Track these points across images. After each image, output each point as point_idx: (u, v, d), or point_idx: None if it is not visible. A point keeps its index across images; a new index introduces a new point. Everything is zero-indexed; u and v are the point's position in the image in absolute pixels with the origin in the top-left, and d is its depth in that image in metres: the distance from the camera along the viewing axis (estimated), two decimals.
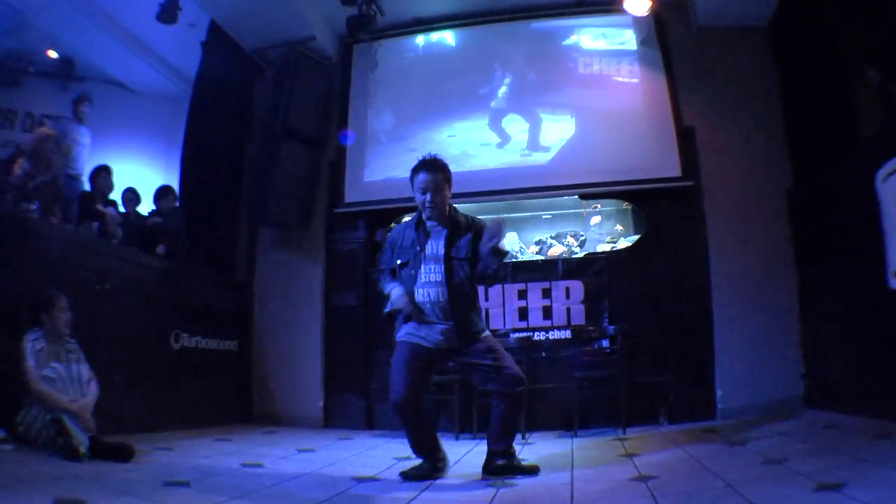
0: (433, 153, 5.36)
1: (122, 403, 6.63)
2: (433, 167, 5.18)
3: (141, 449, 5.53)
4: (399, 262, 5.24)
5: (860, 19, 7.26)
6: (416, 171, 5.19)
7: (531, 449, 6.63)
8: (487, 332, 5.19)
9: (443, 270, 5.05)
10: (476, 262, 5.06)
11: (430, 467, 5.06)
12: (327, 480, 4.96)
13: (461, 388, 7.91)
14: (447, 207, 5.23)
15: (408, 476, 4.99)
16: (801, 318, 7.99)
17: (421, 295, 5.07)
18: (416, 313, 5.07)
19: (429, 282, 5.06)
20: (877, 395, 5.90)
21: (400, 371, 5.04)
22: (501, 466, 4.98)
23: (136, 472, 4.86)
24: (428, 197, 5.10)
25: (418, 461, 5.13)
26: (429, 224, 5.23)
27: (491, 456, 5.06)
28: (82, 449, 5.06)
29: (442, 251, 5.10)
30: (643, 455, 5.61)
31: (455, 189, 9.03)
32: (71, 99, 9.82)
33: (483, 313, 5.37)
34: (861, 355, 6.39)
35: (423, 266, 5.11)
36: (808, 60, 7.84)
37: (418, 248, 5.16)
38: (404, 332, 5.16)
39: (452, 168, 9.15)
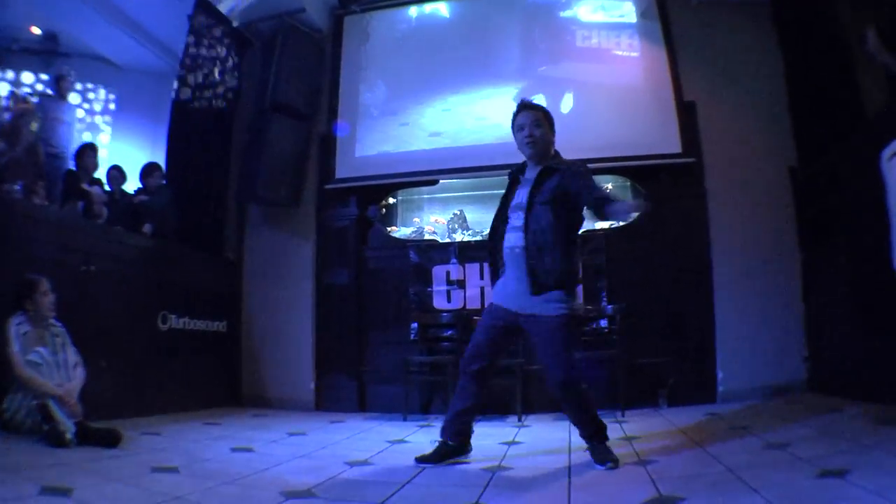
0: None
1: (109, 387, 6.49)
2: (531, 105, 5.04)
3: (128, 434, 5.45)
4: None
5: None
6: (515, 115, 5.05)
7: (527, 432, 6.63)
8: (565, 311, 4.71)
9: (523, 217, 4.80)
10: (566, 206, 4.77)
11: (456, 448, 4.99)
12: (319, 465, 4.89)
13: (455, 370, 7.70)
14: (550, 149, 5.02)
15: (427, 459, 4.89)
16: (805, 300, 7.90)
17: (505, 242, 4.90)
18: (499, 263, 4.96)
19: (512, 227, 4.87)
20: (881, 379, 5.83)
21: (473, 333, 5.02)
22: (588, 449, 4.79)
23: (123, 459, 4.81)
24: (525, 132, 4.92)
25: (438, 442, 5.03)
26: (527, 172, 5.03)
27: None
28: (68, 435, 4.99)
29: (525, 198, 4.85)
30: (642, 438, 5.58)
31: (450, 164, 9.16)
32: (54, 75, 9.64)
33: (573, 274, 4.87)
34: (866, 339, 6.28)
35: (511, 214, 4.94)
36: (813, 36, 7.68)
37: (510, 195, 5.05)
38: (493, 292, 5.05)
39: (446, 143, 9.21)
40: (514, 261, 4.79)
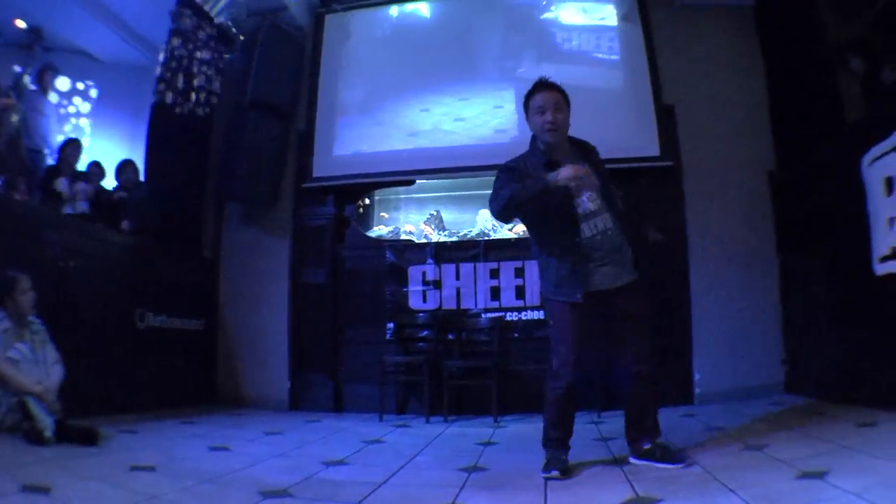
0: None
1: (87, 385, 6.43)
2: (550, 85, 4.56)
3: (106, 432, 5.45)
4: None
5: (848, 3, 7.19)
6: (530, 94, 4.59)
7: (504, 432, 6.63)
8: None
9: (598, 197, 4.50)
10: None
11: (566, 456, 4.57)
12: (296, 464, 4.89)
13: (430, 369, 7.78)
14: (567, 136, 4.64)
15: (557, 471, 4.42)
16: (782, 303, 7.94)
17: (586, 232, 4.48)
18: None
19: (590, 212, 4.50)
20: (860, 382, 5.84)
21: (567, 341, 4.50)
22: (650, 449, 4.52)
23: (102, 457, 4.79)
24: (548, 116, 4.44)
25: (550, 453, 4.57)
26: (559, 156, 4.52)
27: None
28: (47, 433, 4.99)
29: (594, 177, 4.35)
30: (619, 439, 5.39)
31: (427, 164, 9.13)
32: (36, 69, 9.58)
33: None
34: (844, 342, 6.30)
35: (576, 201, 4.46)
36: (794, 42, 7.72)
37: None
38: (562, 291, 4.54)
39: (424, 143, 9.17)
40: (605, 247, 4.48)
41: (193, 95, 9.36)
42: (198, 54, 9.41)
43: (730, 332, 7.98)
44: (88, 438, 5.13)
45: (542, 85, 4.57)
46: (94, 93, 11.95)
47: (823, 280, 6.81)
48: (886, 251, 5.33)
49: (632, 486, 3.84)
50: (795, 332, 7.66)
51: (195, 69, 9.38)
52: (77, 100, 11.81)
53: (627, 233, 4.57)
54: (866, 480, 3.28)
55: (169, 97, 8.98)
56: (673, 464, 4.24)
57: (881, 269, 5.43)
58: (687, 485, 3.77)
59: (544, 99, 4.48)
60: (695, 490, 3.64)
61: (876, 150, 5.45)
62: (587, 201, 4.50)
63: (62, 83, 10.95)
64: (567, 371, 4.43)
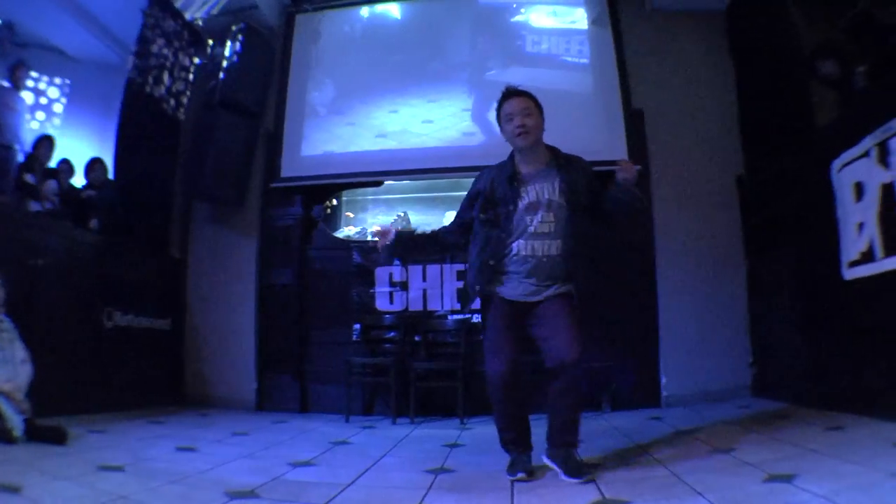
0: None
1: (55, 385, 6.32)
2: (519, 92, 4.55)
3: (74, 432, 5.42)
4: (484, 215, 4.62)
5: (819, 7, 7.27)
6: (500, 103, 4.58)
7: (470, 434, 6.63)
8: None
9: (550, 219, 4.44)
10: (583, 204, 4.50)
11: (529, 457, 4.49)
12: (263, 465, 4.86)
13: (397, 371, 7.78)
14: (541, 139, 4.59)
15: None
16: (750, 307, 8.00)
17: (520, 249, 4.47)
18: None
19: (534, 234, 4.45)
20: (828, 386, 5.91)
21: (492, 327, 4.56)
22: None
23: (70, 456, 4.75)
24: (516, 122, 4.43)
25: (513, 455, 4.52)
26: (523, 166, 4.56)
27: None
28: (16, 433, 4.99)
29: (547, 195, 4.44)
30: (586, 442, 5.38)
31: (396, 166, 9.12)
32: (8, 65, 9.51)
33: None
34: (812, 346, 6.38)
35: (524, 217, 4.47)
36: (765, 48, 7.80)
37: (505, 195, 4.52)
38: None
39: (392, 145, 9.17)
40: (539, 268, 4.48)
41: (163, 94, 9.31)
42: (168, 53, 9.37)
43: (697, 335, 8.01)
44: (57, 438, 5.11)
45: (511, 92, 4.58)
46: (59, 91, 11.88)
47: (791, 284, 6.88)
48: (856, 256, 5.39)
49: (599, 489, 3.85)
50: (763, 335, 7.73)
51: (166, 68, 9.33)
52: (49, 96, 11.77)
53: (573, 262, 4.53)
54: (835, 484, 3.29)
55: (139, 96, 8.93)
56: (570, 476, 4.12)
57: (850, 273, 5.49)
58: (654, 488, 3.78)
59: (512, 106, 4.49)
60: (662, 493, 3.64)
61: (846, 156, 5.51)
62: (538, 222, 4.48)
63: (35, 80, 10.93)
64: (493, 360, 4.43)
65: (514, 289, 4.52)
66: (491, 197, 4.58)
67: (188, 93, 9.76)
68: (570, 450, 4.35)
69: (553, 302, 4.48)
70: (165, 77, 9.36)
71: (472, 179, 4.80)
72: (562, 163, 4.57)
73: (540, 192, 4.48)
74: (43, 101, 11.73)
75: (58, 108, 11.87)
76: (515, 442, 4.49)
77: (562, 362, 4.24)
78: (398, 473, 4.69)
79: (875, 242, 5.12)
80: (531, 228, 4.48)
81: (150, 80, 9.11)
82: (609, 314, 8.08)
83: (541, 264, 4.46)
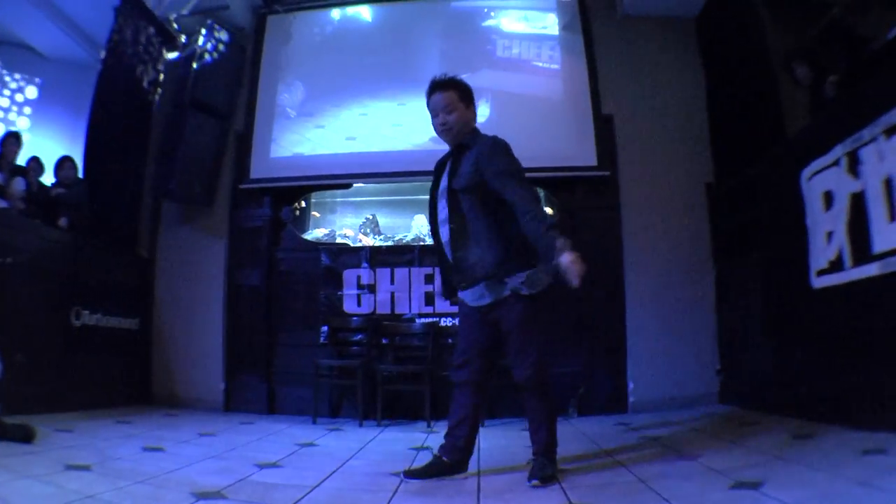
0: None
1: (23, 383, 6.33)
2: (441, 84, 4.47)
3: (41, 430, 5.38)
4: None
5: (791, 15, 7.31)
6: (427, 97, 4.52)
7: (437, 437, 6.51)
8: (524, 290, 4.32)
9: (446, 206, 4.40)
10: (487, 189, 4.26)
11: (451, 466, 4.55)
12: (229, 466, 4.85)
13: (364, 373, 7.77)
14: (468, 129, 4.52)
15: (415, 473, 4.50)
16: (718, 313, 8.06)
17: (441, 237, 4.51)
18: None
19: (441, 220, 4.49)
20: (796, 394, 5.94)
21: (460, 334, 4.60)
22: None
23: (37, 455, 4.74)
24: (439, 119, 4.45)
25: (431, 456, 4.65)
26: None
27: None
28: None
29: (445, 183, 4.45)
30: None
31: (364, 169, 9.14)
32: None
33: (501, 251, 4.30)
34: (780, 354, 6.43)
35: (438, 204, 4.54)
36: (736, 55, 7.89)
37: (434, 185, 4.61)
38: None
39: (361, 148, 9.19)
40: (456, 264, 4.41)
41: (134, 93, 9.27)
42: (139, 52, 9.33)
43: (665, 341, 8.04)
44: (25, 436, 5.08)
45: (434, 87, 4.51)
46: (34, 89, 11.83)
47: (759, 291, 6.90)
48: (825, 265, 5.42)
49: (565, 494, 3.88)
50: (730, 342, 7.77)
51: (136, 67, 9.29)
52: (26, 95, 11.72)
53: (476, 249, 4.33)
54: (802, 492, 3.32)
55: (110, 95, 8.88)
56: (534, 480, 4.15)
57: (819, 282, 5.52)
58: (620, 493, 3.81)
59: (434, 102, 4.47)
60: (628, 499, 3.68)
61: (816, 165, 5.54)
62: (441, 210, 4.52)
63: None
64: (460, 363, 4.54)
65: (465, 294, 4.54)
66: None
67: (159, 92, 9.71)
68: (538, 457, 4.35)
69: (501, 309, 4.37)
70: (136, 76, 9.33)
71: None
72: (463, 149, 4.47)
73: (444, 180, 4.52)
74: (19, 98, 11.69)
75: (27, 109, 11.82)
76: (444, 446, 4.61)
77: (518, 383, 4.33)
78: (365, 476, 4.70)
79: (844, 252, 5.15)
80: (439, 217, 4.54)
81: (121, 78, 9.07)
82: (576, 319, 8.17)
83: (455, 259, 4.41)
